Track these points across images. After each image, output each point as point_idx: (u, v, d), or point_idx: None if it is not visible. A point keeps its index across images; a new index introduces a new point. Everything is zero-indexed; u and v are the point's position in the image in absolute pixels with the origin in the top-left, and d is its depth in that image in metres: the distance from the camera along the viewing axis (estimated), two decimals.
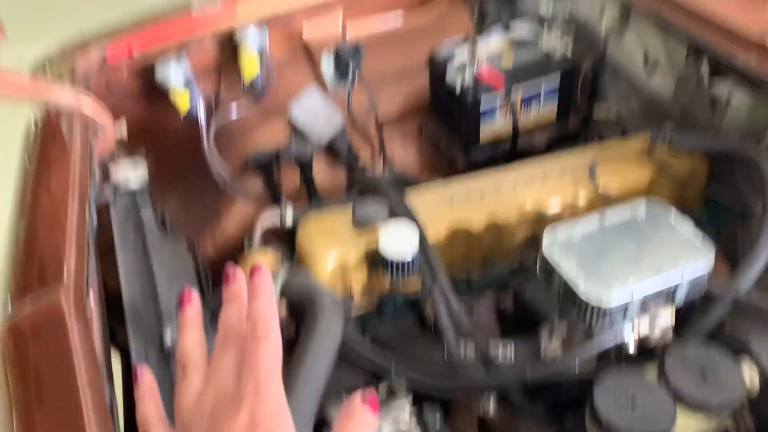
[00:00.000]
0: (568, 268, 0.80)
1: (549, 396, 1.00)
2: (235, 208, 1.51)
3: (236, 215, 1.51)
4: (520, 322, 1.05)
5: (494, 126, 1.39)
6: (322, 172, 1.52)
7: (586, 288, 0.78)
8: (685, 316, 0.94)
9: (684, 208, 1.15)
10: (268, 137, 1.52)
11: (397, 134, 1.59)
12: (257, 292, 0.51)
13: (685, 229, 0.85)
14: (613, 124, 1.41)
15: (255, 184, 1.52)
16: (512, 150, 1.38)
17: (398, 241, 0.91)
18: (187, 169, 1.54)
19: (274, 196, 1.44)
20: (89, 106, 1.15)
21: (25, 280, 0.96)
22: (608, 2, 1.34)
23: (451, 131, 1.45)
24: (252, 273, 0.52)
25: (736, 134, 1.10)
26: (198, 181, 1.52)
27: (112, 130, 1.21)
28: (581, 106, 1.43)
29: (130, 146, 1.52)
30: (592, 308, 0.78)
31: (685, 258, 0.81)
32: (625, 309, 0.79)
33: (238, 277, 0.55)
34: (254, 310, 0.51)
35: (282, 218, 1.05)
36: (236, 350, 0.51)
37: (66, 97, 1.13)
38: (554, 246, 0.84)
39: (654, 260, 0.81)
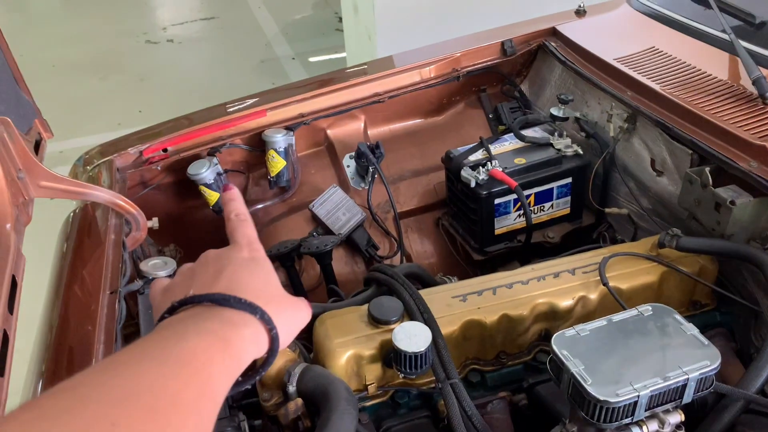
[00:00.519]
0: (576, 366, 0.83)
1: None
2: None
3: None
4: (535, 420, 1.06)
5: (508, 220, 1.44)
6: (342, 263, 1.57)
7: (593, 385, 0.80)
8: (699, 419, 0.95)
9: (695, 306, 1.19)
10: (292, 228, 1.59)
11: (414, 227, 1.65)
12: (233, 196, 0.69)
13: (690, 330, 0.87)
14: (625, 220, 1.46)
15: (279, 275, 1.57)
16: (527, 244, 1.42)
17: (411, 336, 0.94)
18: None
19: (294, 285, 1.49)
20: (125, 203, 1.22)
21: (56, 366, 1.00)
22: (616, 108, 1.41)
23: (467, 225, 1.50)
24: (225, 188, 0.71)
25: (741, 236, 1.13)
26: None
27: (145, 223, 1.28)
28: (594, 204, 1.48)
29: (161, 238, 1.60)
30: (600, 406, 0.79)
31: (691, 357, 0.83)
32: (633, 406, 0.80)
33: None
34: (235, 206, 0.68)
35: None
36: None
37: (102, 195, 1.21)
38: (563, 344, 0.86)
39: (660, 359, 0.83)
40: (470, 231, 1.50)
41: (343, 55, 3.88)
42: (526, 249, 1.43)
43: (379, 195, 1.61)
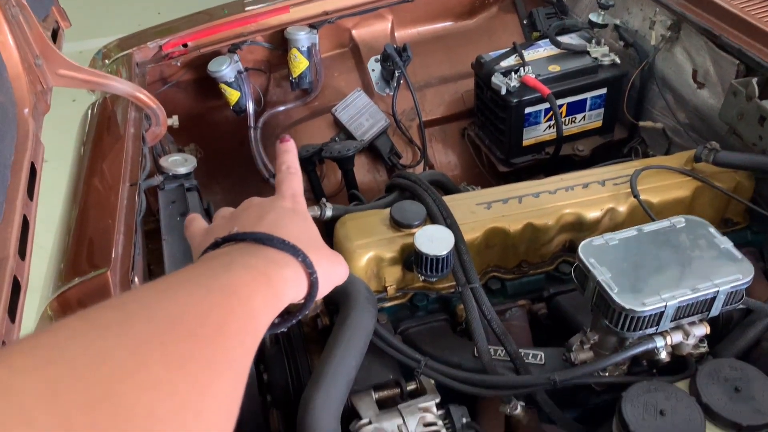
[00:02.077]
0: (603, 274, 0.80)
1: (579, 405, 1.00)
2: None
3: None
4: (553, 330, 1.05)
5: (537, 131, 1.40)
6: (364, 170, 1.55)
7: (619, 294, 0.78)
8: (722, 334, 0.93)
9: (727, 224, 1.15)
10: (314, 133, 1.56)
11: (439, 136, 1.61)
12: (288, 148, 0.68)
13: (723, 243, 0.84)
14: (659, 135, 1.40)
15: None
16: (555, 156, 1.38)
17: (433, 239, 0.93)
18: (234, 162, 1.58)
19: (315, 191, 1.47)
20: (145, 96, 1.19)
21: (76, 260, 1.00)
22: (660, 14, 1.33)
23: (494, 135, 1.45)
24: (282, 139, 0.69)
25: None
26: (244, 174, 1.56)
27: (164, 117, 1.25)
28: (628, 117, 1.42)
29: (181, 137, 1.58)
30: (625, 315, 0.78)
31: (723, 270, 0.80)
32: (659, 317, 0.78)
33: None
34: (287, 159, 0.67)
35: (322, 215, 1.07)
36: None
37: (122, 87, 1.17)
38: (590, 251, 0.84)
39: (690, 271, 0.81)
40: (497, 141, 1.45)
41: None
42: (554, 161, 1.39)
43: (404, 102, 1.56)
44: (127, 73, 1.42)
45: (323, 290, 0.58)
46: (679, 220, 0.88)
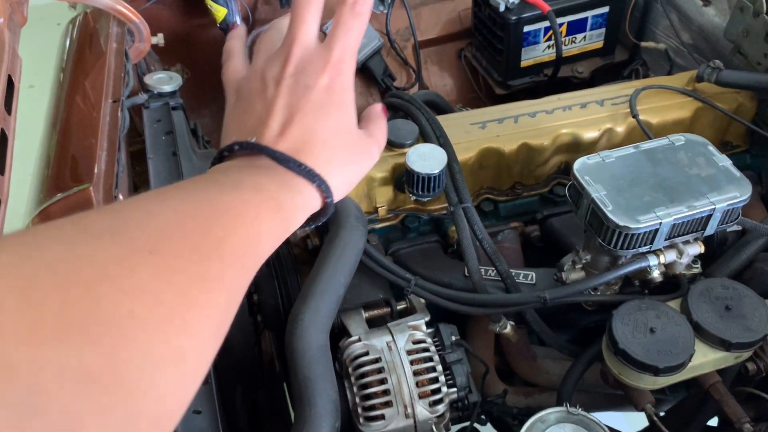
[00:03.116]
0: (597, 191, 0.78)
1: (571, 326, 1.01)
2: None
3: None
4: (546, 252, 1.04)
5: (536, 51, 1.35)
6: (357, 93, 1.49)
7: (613, 211, 0.76)
8: (717, 255, 0.92)
9: (726, 146, 1.13)
10: None
11: (435, 58, 1.56)
12: None
13: (722, 161, 0.82)
14: (661, 57, 1.36)
15: None
16: (553, 77, 1.34)
17: (426, 158, 0.90)
18: (221, 84, 1.53)
19: None
20: (126, 9, 1.14)
21: (59, 177, 0.98)
22: None
23: (492, 56, 1.41)
24: None
25: None
26: None
27: (148, 33, 1.20)
28: (629, 37, 1.37)
29: (166, 57, 1.53)
30: (619, 232, 0.76)
31: (719, 188, 0.78)
32: (653, 234, 0.77)
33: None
34: None
35: None
36: (318, 17, 0.60)
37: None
38: (585, 169, 0.82)
39: (687, 189, 0.79)
40: (494, 63, 1.41)
41: None
42: (552, 83, 1.35)
43: (400, 20, 1.50)
44: None
45: (340, 196, 0.57)
46: (678, 138, 0.86)
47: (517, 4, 1.28)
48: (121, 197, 0.96)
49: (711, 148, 0.84)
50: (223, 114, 1.57)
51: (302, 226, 0.55)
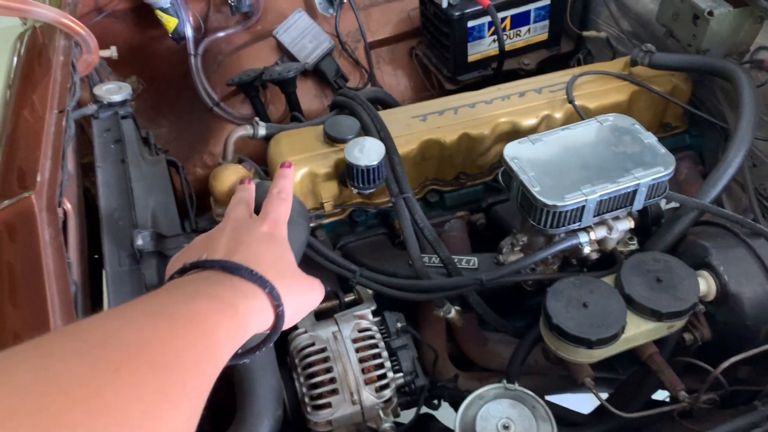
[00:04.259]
0: (525, 173, 0.81)
1: (515, 308, 1.03)
2: (223, 130, 1.52)
3: (224, 137, 1.53)
4: (492, 239, 1.06)
5: (482, 46, 1.38)
6: (311, 96, 1.52)
7: (541, 192, 0.78)
8: (654, 230, 0.95)
9: (664, 128, 1.16)
10: (257, 58, 1.52)
11: (387, 57, 1.58)
12: (286, 174, 0.72)
13: (647, 138, 0.85)
14: (604, 45, 1.39)
15: (244, 106, 1.53)
16: (498, 71, 1.37)
17: (364, 150, 0.92)
18: (177, 93, 1.54)
19: (260, 117, 1.45)
20: (71, 22, 1.15)
21: (5, 186, 0.99)
22: None
23: (440, 52, 1.43)
24: (282, 165, 0.73)
25: (718, 51, 1.07)
26: (188, 105, 1.53)
27: (96, 45, 1.21)
28: (572, 27, 1.40)
29: (120, 69, 1.54)
30: (547, 211, 0.78)
31: (644, 164, 0.81)
32: (580, 211, 0.79)
33: (248, 184, 0.76)
34: (282, 184, 0.71)
35: (255, 134, 1.06)
36: (247, 208, 0.70)
37: (45, 13, 1.13)
38: (515, 152, 0.84)
39: (612, 166, 0.81)
40: (443, 59, 1.43)
41: None
42: (498, 76, 1.37)
43: (350, 22, 1.52)
44: (61, 2, 1.37)
45: (291, 320, 0.58)
46: (606, 119, 0.89)
47: (459, 0, 1.30)
48: (68, 205, 0.97)
49: (637, 126, 0.87)
50: (180, 123, 1.58)
51: (252, 350, 0.56)
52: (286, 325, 0.57)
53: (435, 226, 1.04)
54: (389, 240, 1.03)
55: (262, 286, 0.53)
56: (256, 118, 1.06)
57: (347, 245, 1.02)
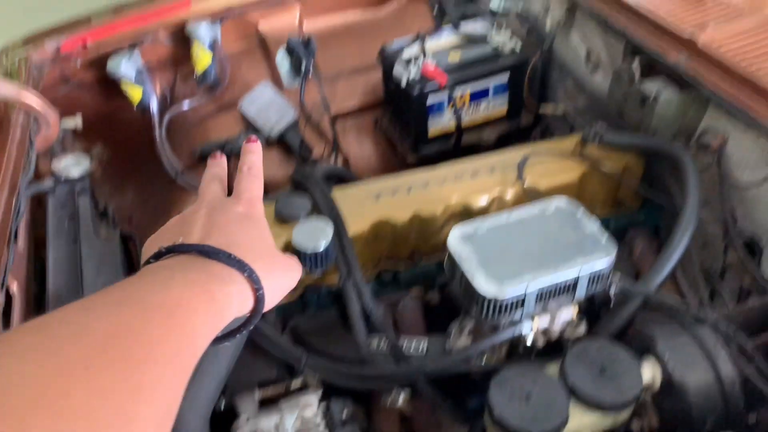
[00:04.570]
0: (468, 261, 0.81)
1: (463, 392, 1.01)
2: (186, 200, 1.53)
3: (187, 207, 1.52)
4: (447, 318, 1.05)
5: (443, 120, 1.40)
6: (275, 167, 1.53)
7: (481, 281, 0.79)
8: (599, 314, 0.95)
9: (619, 206, 1.17)
10: (222, 129, 1.54)
11: (352, 128, 1.60)
12: (253, 149, 0.68)
13: (589, 226, 0.85)
14: (562, 120, 1.41)
15: None
16: (457, 146, 1.39)
17: (311, 232, 0.92)
18: (142, 162, 1.55)
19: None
20: (30, 99, 1.16)
21: None
22: (553, 0, 1.34)
23: (402, 126, 1.45)
24: (248, 140, 0.69)
25: (667, 132, 1.10)
26: (152, 174, 1.54)
27: (56, 120, 1.22)
28: (531, 103, 1.43)
29: (86, 138, 1.54)
30: (488, 301, 0.78)
31: (584, 254, 0.81)
32: (521, 302, 0.79)
33: (220, 158, 0.71)
34: (251, 159, 0.67)
35: None
36: (221, 185, 0.66)
37: (5, 89, 1.14)
38: (458, 240, 0.84)
39: (553, 255, 0.82)
40: (405, 132, 1.45)
41: None
42: (457, 150, 1.39)
43: (315, 94, 1.54)
44: (25, 75, 1.38)
45: (271, 302, 0.57)
46: (550, 204, 0.89)
47: (418, 77, 1.33)
48: (14, 287, 0.95)
49: (580, 212, 0.88)
50: (145, 192, 1.58)
51: (233, 332, 0.54)
52: (266, 307, 0.56)
53: (389, 305, 1.04)
54: (342, 320, 1.02)
55: (240, 270, 0.52)
56: None
57: (298, 326, 1.00)
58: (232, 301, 0.51)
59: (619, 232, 1.15)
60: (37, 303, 1.02)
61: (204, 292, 0.47)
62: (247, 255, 0.53)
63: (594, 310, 0.95)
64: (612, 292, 0.93)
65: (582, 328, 0.90)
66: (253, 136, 0.70)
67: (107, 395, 0.35)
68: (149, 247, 0.57)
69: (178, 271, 0.49)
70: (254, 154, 0.68)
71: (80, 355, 0.36)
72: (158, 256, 0.53)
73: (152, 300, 0.44)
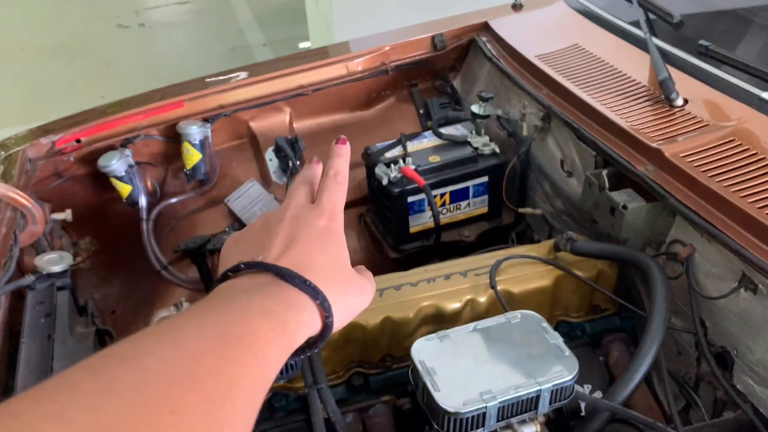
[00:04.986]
0: (429, 374, 0.81)
1: None
2: (170, 293, 1.53)
3: (170, 301, 1.53)
4: (419, 425, 1.04)
5: (423, 219, 1.42)
6: None
7: (442, 395, 0.78)
8: (567, 426, 0.93)
9: (595, 310, 1.17)
10: (210, 223, 1.56)
11: None
12: (342, 152, 0.65)
13: (553, 339, 0.86)
14: (541, 221, 1.44)
15: (192, 269, 1.55)
16: (436, 243, 1.40)
17: None
18: (130, 254, 1.57)
19: (205, 283, 1.46)
20: (17, 196, 1.20)
21: None
22: (530, 106, 1.39)
23: (385, 222, 1.48)
24: (338, 140, 0.66)
25: (637, 241, 1.11)
26: (139, 266, 1.56)
27: (41, 216, 1.25)
28: (508, 204, 1.46)
29: (76, 229, 1.57)
30: (449, 416, 0.78)
31: (547, 367, 0.81)
32: (482, 417, 0.78)
33: (317, 165, 0.68)
34: (338, 164, 0.64)
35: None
36: (310, 190, 0.64)
37: None
38: (421, 351, 0.84)
39: (516, 369, 0.81)
40: (387, 228, 1.48)
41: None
42: (436, 248, 1.41)
43: None
44: (18, 169, 1.42)
45: (339, 325, 0.57)
46: (515, 316, 0.90)
47: (399, 177, 1.36)
48: None
49: (544, 325, 0.88)
50: (130, 283, 1.59)
51: (296, 354, 0.54)
52: (335, 329, 0.56)
53: (359, 410, 1.03)
54: (308, 428, 1.00)
55: (314, 298, 0.52)
56: (182, 298, 1.08)
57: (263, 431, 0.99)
58: (303, 329, 0.52)
59: (595, 336, 1.15)
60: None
61: (280, 324, 0.49)
62: (322, 278, 0.54)
63: (563, 421, 0.93)
64: (582, 405, 0.92)
65: None
66: (343, 137, 0.66)
67: None
68: (229, 253, 0.59)
69: (256, 297, 0.50)
70: (342, 158, 0.65)
71: (166, 397, 0.38)
72: (236, 270, 0.54)
73: (232, 332, 0.45)
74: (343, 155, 0.65)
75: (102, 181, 1.54)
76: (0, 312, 1.07)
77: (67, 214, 1.48)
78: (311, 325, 0.53)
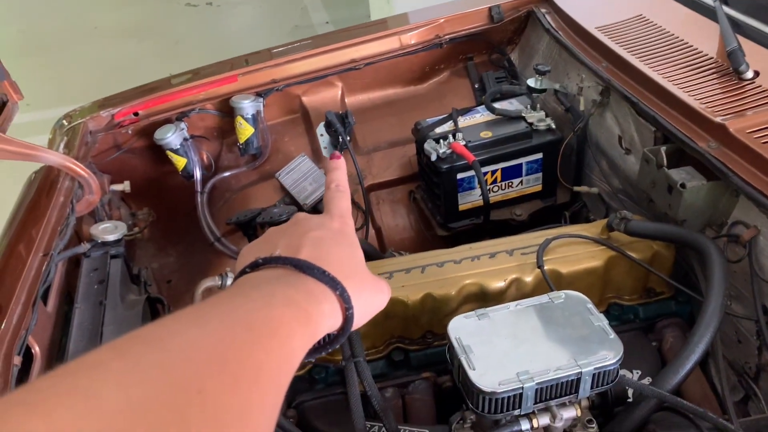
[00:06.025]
0: (465, 352, 0.79)
1: None
2: (222, 265, 1.56)
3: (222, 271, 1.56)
4: (459, 404, 1.02)
5: (473, 196, 1.39)
6: None
7: (478, 374, 0.76)
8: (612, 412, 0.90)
9: (649, 294, 1.12)
10: (261, 197, 1.58)
11: (387, 199, 1.61)
12: (338, 166, 0.70)
13: (597, 321, 0.82)
14: (598, 200, 1.38)
15: (244, 242, 1.57)
16: (485, 222, 1.37)
17: None
18: (186, 225, 1.61)
19: None
20: (74, 166, 1.23)
21: None
22: (587, 80, 1.33)
23: (434, 199, 1.45)
24: (332, 156, 0.71)
25: (696, 221, 1.05)
26: (193, 238, 1.59)
27: (98, 186, 1.29)
28: (563, 181, 1.41)
29: (134, 200, 1.62)
30: (484, 395, 0.76)
31: (589, 350, 0.78)
32: (518, 398, 0.76)
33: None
34: (337, 176, 0.68)
35: (222, 284, 1.07)
36: None
37: (51, 158, 1.22)
38: (458, 328, 0.82)
39: (558, 350, 0.78)
40: (436, 205, 1.45)
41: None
42: (485, 227, 1.38)
43: (352, 166, 1.57)
44: (79, 141, 1.47)
45: (359, 322, 0.58)
46: (558, 296, 0.86)
47: (448, 153, 1.33)
48: (36, 348, 0.99)
49: (589, 306, 0.84)
50: (186, 254, 1.62)
51: (316, 350, 0.55)
52: (354, 326, 0.56)
53: (398, 386, 1.02)
54: (347, 401, 1.00)
55: (333, 288, 0.53)
56: (228, 269, 1.09)
57: (304, 403, 0.99)
58: (325, 321, 0.52)
59: (648, 321, 1.10)
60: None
61: (302, 312, 0.49)
62: (339, 271, 0.54)
63: (608, 406, 0.90)
64: (629, 392, 0.88)
65: (593, 427, 0.85)
66: (337, 152, 0.73)
67: (218, 419, 0.37)
68: (245, 256, 0.59)
69: (278, 287, 0.51)
70: (339, 171, 0.69)
71: (195, 377, 0.38)
72: (255, 266, 0.54)
73: (257, 318, 0.46)
74: (340, 168, 0.69)
75: (159, 153, 1.58)
76: (56, 276, 1.10)
77: (125, 186, 1.53)
78: (332, 316, 0.53)
